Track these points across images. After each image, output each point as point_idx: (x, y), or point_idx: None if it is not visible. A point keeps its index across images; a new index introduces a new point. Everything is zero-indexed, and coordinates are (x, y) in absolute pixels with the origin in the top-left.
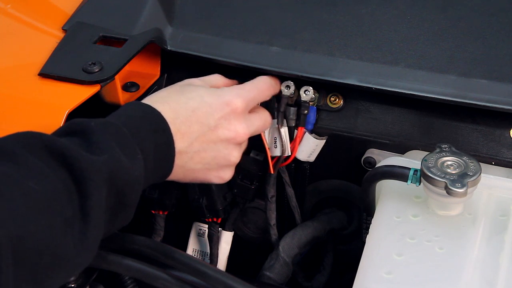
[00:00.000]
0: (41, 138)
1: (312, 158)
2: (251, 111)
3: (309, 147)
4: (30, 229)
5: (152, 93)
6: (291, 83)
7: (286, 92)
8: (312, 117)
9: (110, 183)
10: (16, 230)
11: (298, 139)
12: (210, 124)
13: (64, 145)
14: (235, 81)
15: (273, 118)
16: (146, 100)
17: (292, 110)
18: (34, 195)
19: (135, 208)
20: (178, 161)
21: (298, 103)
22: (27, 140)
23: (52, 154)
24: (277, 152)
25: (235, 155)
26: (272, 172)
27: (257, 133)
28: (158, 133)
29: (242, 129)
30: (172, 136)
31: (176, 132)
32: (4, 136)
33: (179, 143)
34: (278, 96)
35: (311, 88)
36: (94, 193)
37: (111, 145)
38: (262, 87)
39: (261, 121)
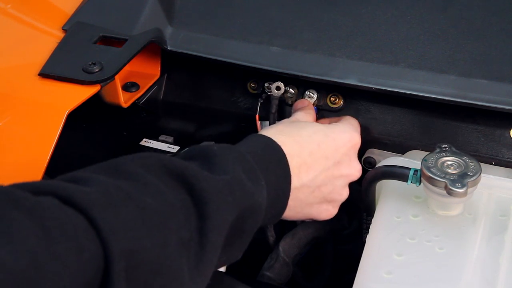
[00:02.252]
0: (159, 158)
1: None
2: None
3: None
4: (144, 244)
5: (151, 93)
6: (281, 84)
7: (276, 93)
8: None
9: (232, 205)
10: (130, 244)
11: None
12: (336, 159)
13: (184, 165)
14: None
15: (266, 119)
16: (265, 132)
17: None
18: (149, 210)
19: (251, 238)
20: (300, 194)
21: None
22: (144, 160)
23: (171, 173)
24: None
25: (347, 191)
26: None
27: None
28: (280, 166)
29: (359, 166)
30: (290, 170)
31: (301, 164)
32: (120, 157)
33: (304, 176)
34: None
35: (315, 92)
36: (214, 215)
37: (235, 168)
38: (358, 123)
39: None
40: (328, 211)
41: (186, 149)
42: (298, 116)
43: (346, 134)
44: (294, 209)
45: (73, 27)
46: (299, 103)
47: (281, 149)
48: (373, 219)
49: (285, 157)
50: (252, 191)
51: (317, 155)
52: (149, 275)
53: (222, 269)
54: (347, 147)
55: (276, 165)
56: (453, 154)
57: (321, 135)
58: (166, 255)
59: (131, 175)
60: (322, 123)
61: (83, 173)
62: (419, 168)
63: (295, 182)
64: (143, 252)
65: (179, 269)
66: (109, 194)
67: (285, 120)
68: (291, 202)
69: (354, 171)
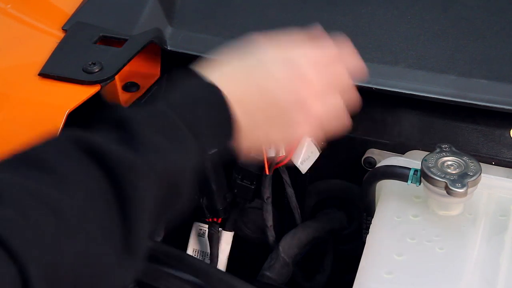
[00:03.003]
0: (74, 139)
1: (304, 167)
2: None
3: (306, 151)
4: (63, 254)
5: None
6: None
7: None
8: None
9: (155, 180)
10: (48, 258)
11: (296, 141)
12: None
13: (100, 144)
14: None
15: None
16: (208, 73)
17: None
18: (66, 211)
19: (190, 195)
20: (247, 118)
21: None
22: (62, 146)
23: (87, 154)
24: (272, 153)
25: (318, 107)
26: (267, 172)
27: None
28: (216, 108)
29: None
30: (229, 109)
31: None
32: (40, 140)
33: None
34: None
35: None
36: (136, 195)
37: (155, 136)
38: None
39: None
40: (297, 129)
41: (107, 112)
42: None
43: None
44: (250, 134)
45: (73, 27)
46: None
47: (219, 91)
48: (373, 219)
49: (223, 97)
50: (175, 158)
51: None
52: (72, 283)
53: (222, 268)
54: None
55: (210, 108)
56: (453, 154)
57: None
58: (89, 254)
59: (46, 167)
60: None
61: None
62: (419, 168)
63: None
64: (61, 264)
65: (105, 262)
66: (19, 203)
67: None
68: (242, 132)
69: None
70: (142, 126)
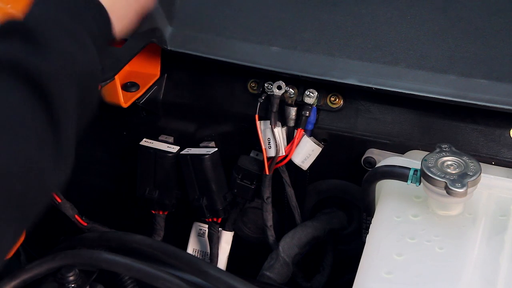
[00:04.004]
0: None
1: (305, 165)
2: None
3: (306, 151)
4: (3, 165)
5: (151, 93)
6: (282, 84)
7: (277, 92)
8: (312, 117)
9: (73, 83)
10: None
11: (296, 141)
12: None
13: (14, 56)
14: None
15: (266, 119)
16: None
17: (292, 110)
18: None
19: (97, 94)
20: None
21: (298, 103)
22: None
23: (7, 67)
24: (272, 153)
25: None
26: (266, 172)
27: None
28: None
29: None
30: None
31: None
32: None
33: None
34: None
35: (315, 91)
36: (59, 103)
37: (61, 41)
38: None
39: None
40: None
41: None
42: None
43: None
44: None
45: None
46: None
47: None
48: (373, 219)
49: None
50: (84, 60)
51: None
52: (6, 180)
53: (222, 267)
54: None
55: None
56: (453, 154)
57: None
58: (22, 155)
59: None
60: None
61: None
62: (419, 168)
63: None
64: (3, 174)
65: (38, 163)
66: None
67: None
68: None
69: None
70: (47, 33)
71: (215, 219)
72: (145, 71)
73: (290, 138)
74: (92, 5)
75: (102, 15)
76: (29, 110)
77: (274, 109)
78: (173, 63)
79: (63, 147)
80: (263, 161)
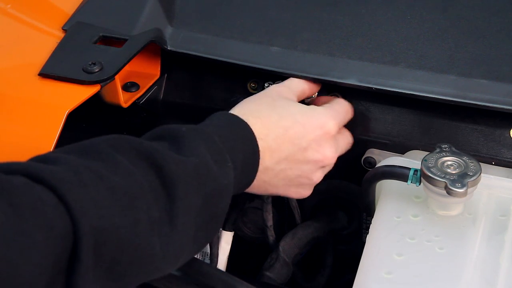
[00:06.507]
0: (129, 140)
1: None
2: (338, 131)
3: None
4: (114, 222)
5: (151, 93)
6: None
7: None
8: None
9: (198, 188)
10: (99, 221)
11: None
12: (302, 145)
13: (152, 147)
14: (316, 85)
15: None
16: (235, 111)
17: None
18: (118, 190)
19: (224, 219)
20: (263, 175)
21: None
22: (115, 141)
23: (140, 155)
24: None
25: (318, 176)
26: None
27: (342, 153)
28: (247, 144)
29: (331, 153)
30: (259, 149)
31: (266, 148)
32: (91, 138)
33: (267, 160)
34: None
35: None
36: (182, 196)
37: (202, 150)
38: (348, 107)
39: (346, 142)
40: (298, 193)
41: (156, 128)
42: (278, 90)
43: (318, 120)
44: (258, 189)
45: (73, 27)
46: None
47: (250, 128)
48: (373, 219)
49: (254, 136)
50: (217, 174)
51: (283, 140)
52: (117, 252)
53: (222, 268)
54: (316, 134)
55: (244, 144)
56: (453, 154)
57: (290, 120)
58: (136, 234)
59: (101, 156)
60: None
61: (54, 153)
62: (419, 168)
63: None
64: (112, 230)
65: (149, 246)
66: (79, 173)
67: (261, 94)
68: (255, 182)
69: (323, 157)
70: (191, 139)
71: None
72: (145, 71)
73: None
74: (248, 141)
75: (254, 146)
76: (152, 194)
77: None
78: (173, 63)
79: (175, 241)
80: None
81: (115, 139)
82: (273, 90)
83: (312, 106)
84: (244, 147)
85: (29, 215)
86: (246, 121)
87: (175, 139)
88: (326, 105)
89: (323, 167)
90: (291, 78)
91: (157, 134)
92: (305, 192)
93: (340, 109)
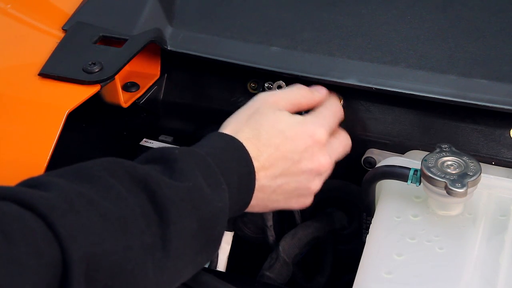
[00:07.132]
0: (123, 164)
1: None
2: (331, 135)
3: None
4: (105, 248)
5: (151, 93)
6: (282, 84)
7: None
8: None
9: (192, 212)
10: (91, 248)
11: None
12: (294, 158)
13: (146, 171)
14: (316, 98)
15: None
16: (227, 130)
17: None
18: (110, 215)
19: (221, 241)
20: (261, 194)
21: None
22: (108, 165)
23: (134, 179)
24: None
25: (317, 184)
26: None
27: (340, 158)
28: (242, 165)
29: (325, 160)
30: (254, 168)
31: (259, 168)
32: (84, 162)
33: (263, 178)
34: None
35: None
36: (176, 221)
37: (195, 174)
38: (336, 109)
39: (342, 145)
40: (299, 203)
41: (150, 150)
42: (268, 101)
43: (307, 131)
44: (258, 207)
45: (73, 27)
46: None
47: (245, 149)
48: (373, 219)
49: (249, 156)
50: (211, 198)
51: (275, 157)
52: (109, 278)
53: (222, 268)
54: (307, 145)
55: (238, 164)
56: (453, 154)
57: (280, 137)
58: (128, 259)
59: (94, 180)
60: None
61: (45, 177)
62: (419, 168)
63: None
64: (103, 256)
65: (142, 272)
66: (69, 199)
67: (250, 107)
68: (253, 201)
69: (318, 166)
70: (184, 163)
71: None
72: (145, 71)
73: None
74: (243, 162)
75: (249, 167)
76: (144, 219)
77: None
78: (173, 63)
79: (169, 267)
80: None
81: (109, 162)
82: (263, 101)
83: (299, 117)
84: (239, 168)
85: (19, 242)
86: (239, 139)
87: (168, 162)
88: (313, 113)
89: (319, 175)
90: (289, 88)
91: (151, 157)
92: (307, 201)
93: (327, 114)
